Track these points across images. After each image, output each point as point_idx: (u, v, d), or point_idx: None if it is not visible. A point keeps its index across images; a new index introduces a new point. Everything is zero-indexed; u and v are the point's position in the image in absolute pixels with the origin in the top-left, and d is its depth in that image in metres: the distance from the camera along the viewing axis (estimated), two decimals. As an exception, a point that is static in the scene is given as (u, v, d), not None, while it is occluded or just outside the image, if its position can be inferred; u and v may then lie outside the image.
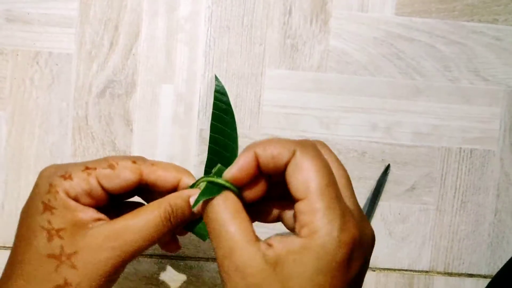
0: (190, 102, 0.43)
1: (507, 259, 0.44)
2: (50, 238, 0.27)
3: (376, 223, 0.44)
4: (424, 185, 0.44)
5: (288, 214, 0.29)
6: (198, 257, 0.43)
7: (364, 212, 0.43)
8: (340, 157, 0.43)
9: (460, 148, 0.44)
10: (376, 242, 0.43)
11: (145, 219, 0.28)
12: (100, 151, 0.42)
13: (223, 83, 0.42)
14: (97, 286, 0.27)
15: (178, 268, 0.43)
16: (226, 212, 0.27)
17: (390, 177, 0.44)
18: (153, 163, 0.30)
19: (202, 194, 0.28)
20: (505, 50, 0.44)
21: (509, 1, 0.44)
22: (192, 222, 0.31)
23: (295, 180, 0.26)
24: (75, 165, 0.29)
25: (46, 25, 0.42)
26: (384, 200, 0.44)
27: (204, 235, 0.31)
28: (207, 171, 0.41)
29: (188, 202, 0.29)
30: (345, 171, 0.28)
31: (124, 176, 0.29)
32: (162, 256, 0.43)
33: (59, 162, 0.42)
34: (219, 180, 0.28)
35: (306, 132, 0.43)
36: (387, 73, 0.43)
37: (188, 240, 0.43)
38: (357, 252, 0.25)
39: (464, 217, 0.44)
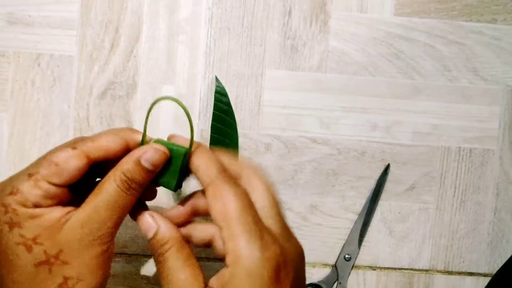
0: (191, 103, 0.43)
1: (507, 258, 0.44)
2: (29, 249, 0.27)
3: (376, 222, 0.44)
4: (423, 184, 0.44)
5: (218, 241, 0.30)
6: (200, 257, 0.44)
7: (364, 212, 0.43)
8: (340, 157, 0.43)
9: (460, 147, 0.44)
10: (376, 242, 0.44)
11: (107, 195, 0.28)
12: (101, 152, 0.42)
13: (224, 84, 0.43)
14: (96, 267, 0.28)
15: (179, 268, 0.43)
16: (178, 259, 0.28)
17: (390, 176, 0.44)
18: (92, 139, 0.30)
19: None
20: (504, 50, 0.44)
21: (508, 0, 0.44)
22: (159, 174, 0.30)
23: (213, 209, 0.28)
24: (18, 176, 0.29)
25: (47, 27, 0.42)
26: (384, 200, 0.44)
27: (170, 186, 0.30)
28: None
29: (140, 163, 0.29)
30: (270, 193, 0.30)
31: (70, 167, 0.28)
32: (163, 256, 0.43)
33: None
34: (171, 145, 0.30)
35: (306, 132, 0.43)
36: (386, 73, 0.44)
37: (189, 240, 0.43)
38: (285, 266, 0.27)
39: (464, 216, 0.44)
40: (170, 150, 0.30)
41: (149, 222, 0.29)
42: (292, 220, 0.43)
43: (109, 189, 0.28)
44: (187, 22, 0.43)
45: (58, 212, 0.28)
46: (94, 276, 0.28)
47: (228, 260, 0.27)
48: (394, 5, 0.43)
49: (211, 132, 0.42)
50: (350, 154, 0.44)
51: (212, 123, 0.42)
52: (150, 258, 0.43)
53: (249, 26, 0.43)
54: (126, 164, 0.29)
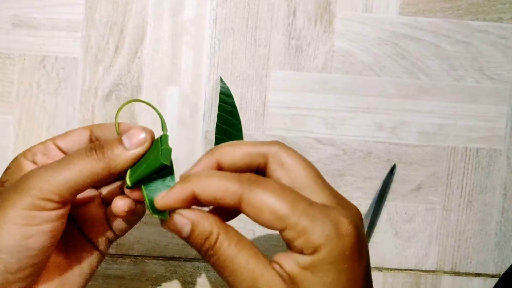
0: (196, 104, 0.43)
1: (515, 258, 0.44)
2: None
3: (382, 223, 0.44)
4: (430, 185, 0.44)
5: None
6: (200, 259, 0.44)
7: (371, 213, 0.43)
8: (346, 158, 0.43)
9: (466, 147, 0.44)
10: (383, 242, 0.43)
11: (68, 155, 0.28)
12: (106, 154, 0.43)
13: (228, 85, 0.43)
14: (12, 221, 0.26)
15: (184, 269, 0.43)
16: (230, 245, 0.25)
17: (396, 177, 0.44)
18: (105, 124, 0.32)
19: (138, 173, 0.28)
20: (510, 48, 0.44)
21: (514, -1, 0.44)
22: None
23: (262, 219, 0.25)
24: None
25: (52, 29, 0.42)
26: (390, 200, 0.44)
27: (128, 178, 0.28)
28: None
29: (119, 137, 0.28)
30: (311, 165, 0.27)
31: (75, 132, 0.31)
32: (168, 258, 0.43)
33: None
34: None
35: (312, 132, 0.43)
36: (392, 73, 0.43)
37: (195, 242, 0.43)
38: (359, 235, 0.26)
39: (471, 216, 0.44)
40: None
41: (179, 220, 0.26)
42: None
43: (76, 151, 0.28)
44: (192, 23, 0.43)
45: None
46: (4, 229, 0.25)
47: (306, 251, 0.25)
48: (399, 4, 0.43)
49: (216, 133, 0.42)
50: (355, 154, 0.43)
51: (217, 124, 0.42)
52: (156, 259, 0.43)
53: (253, 27, 0.43)
54: (104, 132, 0.30)
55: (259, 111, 0.43)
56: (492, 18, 0.44)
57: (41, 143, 0.31)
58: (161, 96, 0.43)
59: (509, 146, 0.44)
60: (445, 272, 0.44)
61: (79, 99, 0.43)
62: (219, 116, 0.42)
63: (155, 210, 0.26)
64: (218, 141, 0.42)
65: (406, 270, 0.44)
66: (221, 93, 0.42)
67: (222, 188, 0.25)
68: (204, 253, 0.26)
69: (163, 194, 0.26)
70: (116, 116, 0.30)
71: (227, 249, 0.25)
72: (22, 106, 0.42)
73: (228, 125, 0.42)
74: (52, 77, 0.42)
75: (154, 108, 0.31)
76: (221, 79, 0.43)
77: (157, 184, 0.28)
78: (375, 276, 0.44)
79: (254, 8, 0.43)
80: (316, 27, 0.43)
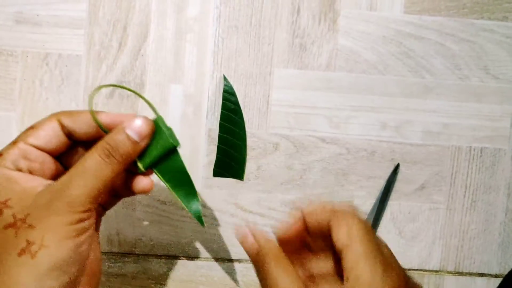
0: (199, 102, 0.43)
1: (519, 258, 0.44)
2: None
3: (386, 222, 0.44)
4: (434, 184, 0.44)
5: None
6: (208, 257, 0.43)
7: (374, 212, 0.43)
8: (349, 157, 0.43)
9: (471, 146, 0.44)
10: (386, 242, 0.43)
11: (84, 163, 0.28)
12: (109, 151, 0.42)
13: (232, 83, 0.42)
14: (64, 237, 0.27)
15: (187, 268, 0.43)
16: (277, 266, 0.29)
17: (399, 176, 0.43)
18: (72, 111, 0.31)
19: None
20: (515, 48, 0.43)
21: (520, -2, 0.43)
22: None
23: (336, 233, 0.28)
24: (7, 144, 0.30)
25: (55, 26, 0.42)
26: (394, 200, 0.43)
27: (140, 166, 0.30)
28: (216, 172, 0.41)
29: (126, 134, 0.29)
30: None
31: (44, 127, 0.30)
32: (171, 256, 0.43)
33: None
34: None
35: (315, 131, 0.43)
36: (396, 71, 0.43)
37: (199, 240, 0.43)
38: None
39: (475, 216, 0.44)
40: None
41: (251, 241, 0.30)
42: (300, 220, 0.43)
43: (89, 157, 0.28)
44: (195, 20, 0.43)
45: (37, 181, 0.28)
46: (61, 246, 0.26)
47: (350, 276, 0.27)
48: (404, 3, 0.43)
49: (219, 132, 0.42)
50: (359, 153, 0.43)
51: (220, 122, 0.42)
52: (158, 258, 0.43)
53: (257, 25, 0.43)
54: (112, 134, 0.29)
55: (263, 109, 0.43)
56: (497, 17, 0.43)
57: (14, 147, 0.29)
58: (164, 94, 0.43)
59: (513, 146, 0.44)
60: (448, 272, 0.44)
61: (82, 97, 0.42)
62: (222, 114, 0.42)
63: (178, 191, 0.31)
64: (221, 139, 0.42)
65: (409, 269, 0.44)
66: (225, 91, 0.42)
67: (321, 206, 0.30)
68: (254, 262, 0.30)
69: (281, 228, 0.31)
70: (90, 103, 0.30)
71: (273, 268, 0.29)
72: (25, 103, 0.42)
73: (231, 123, 0.42)
74: (55, 74, 0.42)
75: (134, 92, 0.31)
76: (224, 77, 0.42)
77: (167, 163, 0.31)
78: (378, 275, 0.44)
79: (258, 6, 0.43)
80: (320, 25, 0.43)
